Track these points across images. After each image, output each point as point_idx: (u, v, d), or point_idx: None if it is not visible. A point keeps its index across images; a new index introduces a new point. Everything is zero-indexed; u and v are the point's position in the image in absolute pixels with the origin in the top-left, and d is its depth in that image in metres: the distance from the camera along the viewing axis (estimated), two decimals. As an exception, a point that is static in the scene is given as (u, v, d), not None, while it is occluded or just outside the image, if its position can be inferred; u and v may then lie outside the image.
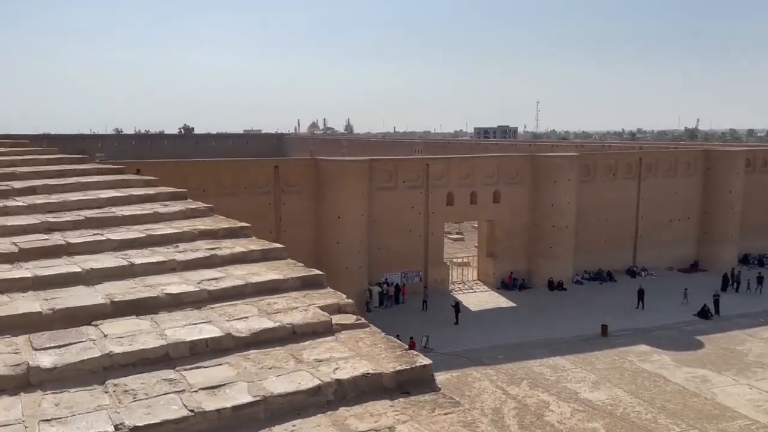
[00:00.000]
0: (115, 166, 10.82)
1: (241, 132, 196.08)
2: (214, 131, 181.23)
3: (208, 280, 5.44)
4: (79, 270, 5.44)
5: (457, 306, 34.66)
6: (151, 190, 9.06)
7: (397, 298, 37.81)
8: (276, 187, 35.94)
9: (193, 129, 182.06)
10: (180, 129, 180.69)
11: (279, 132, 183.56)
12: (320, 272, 5.89)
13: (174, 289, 5.12)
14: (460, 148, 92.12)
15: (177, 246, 6.36)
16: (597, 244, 43.13)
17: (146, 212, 7.61)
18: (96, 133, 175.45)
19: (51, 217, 7.05)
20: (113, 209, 7.70)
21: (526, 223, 41.55)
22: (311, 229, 36.56)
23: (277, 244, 6.69)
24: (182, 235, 6.70)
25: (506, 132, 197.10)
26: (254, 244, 6.61)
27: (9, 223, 6.67)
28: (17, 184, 8.44)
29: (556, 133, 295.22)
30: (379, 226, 37.66)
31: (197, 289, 5.17)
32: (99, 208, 7.76)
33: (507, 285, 40.81)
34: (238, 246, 6.55)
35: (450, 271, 41.63)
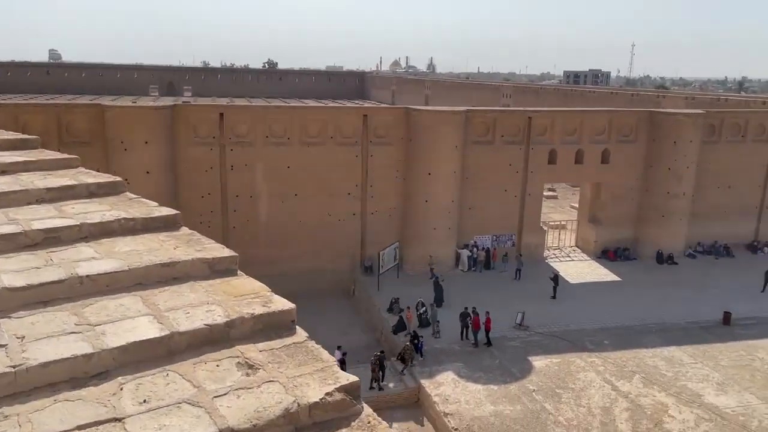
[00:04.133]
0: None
1: (324, 69, 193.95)
2: (297, 66, 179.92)
3: None
4: None
5: (556, 278, 31.43)
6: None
7: (488, 263, 34.91)
8: (364, 138, 33.25)
9: (276, 64, 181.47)
10: (264, 63, 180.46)
11: (361, 70, 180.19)
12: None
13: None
14: (554, 95, 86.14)
15: None
16: (715, 213, 38.38)
17: None
18: (184, 65, 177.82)
19: None
20: None
21: (637, 187, 37.23)
22: (399, 184, 33.88)
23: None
24: None
25: (598, 77, 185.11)
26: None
27: None
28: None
29: (650, 79, 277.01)
30: (472, 185, 34.50)
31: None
32: None
33: (609, 255, 37.03)
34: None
35: (546, 237, 38.16)
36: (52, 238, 3.09)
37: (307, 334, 2.48)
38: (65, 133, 28.63)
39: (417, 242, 33.58)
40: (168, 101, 44.40)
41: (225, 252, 2.98)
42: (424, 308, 27.73)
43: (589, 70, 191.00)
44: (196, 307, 2.55)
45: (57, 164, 4.33)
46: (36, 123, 28.21)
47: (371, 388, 22.49)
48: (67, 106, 31.01)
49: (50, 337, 2.21)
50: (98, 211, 3.47)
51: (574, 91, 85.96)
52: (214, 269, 2.91)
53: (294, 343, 2.39)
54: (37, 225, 3.14)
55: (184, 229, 3.41)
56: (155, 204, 3.66)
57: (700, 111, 38.55)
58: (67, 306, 2.45)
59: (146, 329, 2.31)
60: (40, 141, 4.92)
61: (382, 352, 24.03)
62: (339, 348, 23.06)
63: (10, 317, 2.32)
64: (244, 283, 2.82)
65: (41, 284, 2.46)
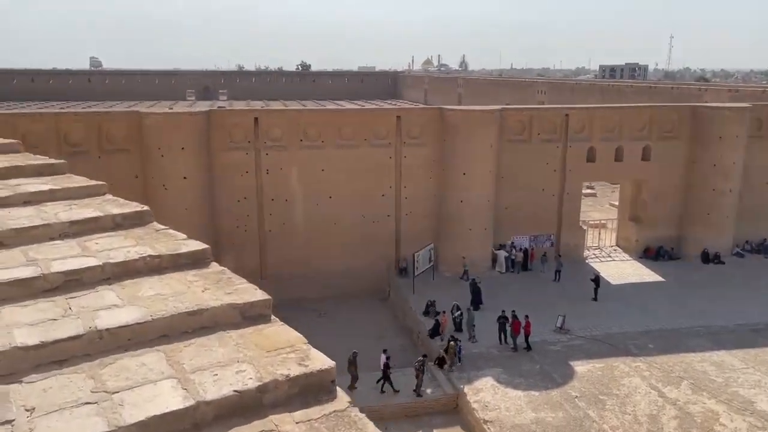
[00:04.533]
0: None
1: (356, 70, 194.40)
2: (330, 68, 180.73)
3: None
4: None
5: (597, 280, 30.64)
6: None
7: (526, 264, 34.26)
8: (397, 139, 32.97)
9: (309, 66, 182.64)
10: (297, 66, 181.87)
11: (393, 70, 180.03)
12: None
13: None
14: (589, 91, 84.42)
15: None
16: (764, 210, 36.96)
17: None
18: (219, 69, 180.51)
19: None
20: None
21: (680, 185, 36.10)
22: (433, 185, 33.49)
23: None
24: None
25: (635, 70, 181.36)
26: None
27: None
28: None
29: (690, 71, 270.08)
30: (508, 184, 33.90)
31: None
32: None
33: (652, 254, 36.00)
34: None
35: (585, 236, 37.29)
36: (72, 281, 2.89)
37: (348, 399, 2.20)
38: (105, 141, 29.05)
39: (452, 243, 33.15)
40: (204, 106, 44.85)
41: (258, 295, 2.73)
42: (459, 311, 27.32)
43: (626, 63, 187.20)
44: (225, 366, 2.29)
45: (83, 192, 4.17)
46: (76, 131, 28.72)
47: (418, 395, 22.21)
48: (106, 114, 31.49)
49: (62, 410, 1.98)
50: (123, 248, 3.27)
51: (611, 86, 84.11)
52: (246, 315, 2.66)
53: (335, 411, 2.11)
54: (58, 266, 2.95)
55: (214, 266, 3.18)
56: (183, 237, 3.44)
57: (745, 105, 37.16)
58: (84, 366, 2.23)
59: (169, 398, 2.07)
60: (67, 165, 4.77)
61: (424, 356, 23.67)
62: (385, 351, 22.90)
63: (21, 382, 2.11)
64: (279, 332, 2.56)
65: (57, 341, 2.26)
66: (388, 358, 22.59)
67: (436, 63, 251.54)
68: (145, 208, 3.86)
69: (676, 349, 25.10)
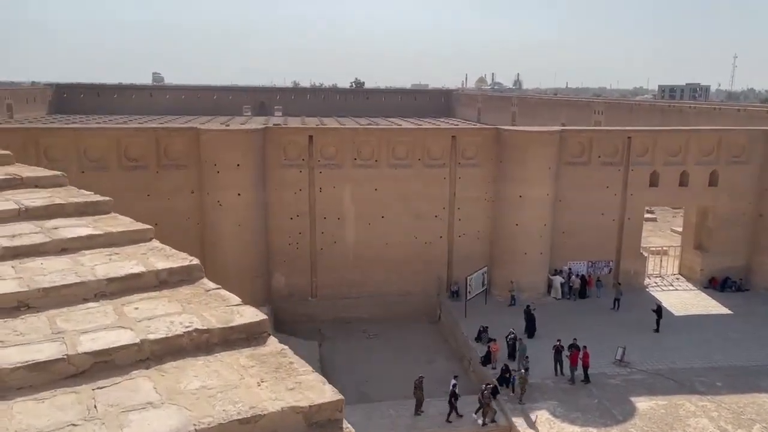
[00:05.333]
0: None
1: (409, 87, 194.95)
2: (383, 85, 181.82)
3: None
4: None
5: (659, 310, 29.13)
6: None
7: (583, 291, 32.96)
8: (452, 159, 32.37)
9: (363, 83, 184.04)
10: (351, 83, 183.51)
11: (446, 87, 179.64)
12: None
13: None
14: (649, 111, 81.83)
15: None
16: (842, 241, 34.60)
17: None
18: (275, 86, 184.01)
19: None
20: None
21: (750, 212, 34.20)
22: (488, 207, 32.69)
23: None
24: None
25: (696, 91, 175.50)
26: None
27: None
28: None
29: (755, 92, 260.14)
30: (566, 208, 32.77)
31: None
32: None
33: (717, 285, 34.12)
34: None
35: (647, 264, 35.68)
36: (102, 364, 2.44)
37: None
38: (163, 156, 29.45)
39: (506, 267, 32.19)
40: (259, 121, 45.32)
41: (327, 393, 2.20)
42: (513, 336, 26.35)
43: (687, 84, 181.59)
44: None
45: (126, 237, 3.77)
46: (137, 146, 29.22)
47: (483, 424, 21.32)
48: (165, 130, 31.98)
49: None
50: (166, 316, 2.81)
51: (672, 107, 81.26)
52: (312, 422, 2.13)
53: None
54: (87, 343, 2.50)
55: (272, 343, 2.68)
56: (236, 301, 2.97)
57: (823, 128, 35.04)
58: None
59: None
60: (111, 203, 4.41)
61: (492, 385, 22.64)
62: (455, 378, 22.45)
63: None
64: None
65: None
66: (455, 385, 21.86)
67: (489, 81, 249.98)
68: (194, 261, 3.42)
69: (746, 388, 23.49)
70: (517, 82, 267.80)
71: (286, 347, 2.60)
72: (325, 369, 26.08)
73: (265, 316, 2.80)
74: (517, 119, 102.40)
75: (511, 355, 25.63)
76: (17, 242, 3.56)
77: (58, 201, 4.29)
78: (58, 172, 5.03)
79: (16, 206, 4.10)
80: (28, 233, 3.73)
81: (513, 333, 26.51)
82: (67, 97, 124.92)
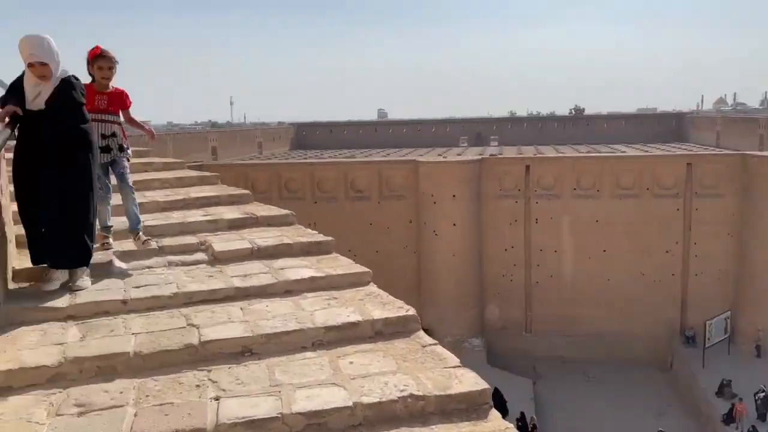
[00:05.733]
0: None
1: (635, 111, 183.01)
2: (604, 111, 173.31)
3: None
4: None
5: None
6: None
7: None
8: (687, 189, 29.30)
9: (583, 110, 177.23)
10: (570, 110, 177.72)
11: (677, 110, 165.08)
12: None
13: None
14: None
15: None
16: None
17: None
18: (491, 116, 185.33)
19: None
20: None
21: None
22: (731, 243, 28.89)
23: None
24: None
25: None
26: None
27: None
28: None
29: None
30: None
31: None
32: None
33: None
34: None
35: None
36: (315, 426, 2.35)
37: None
38: (384, 187, 30.95)
39: (755, 313, 27.97)
40: (474, 152, 45.69)
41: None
42: (764, 394, 22.68)
43: None
44: None
45: (346, 281, 3.79)
46: (361, 179, 31.16)
47: None
48: (387, 163, 33.69)
49: None
50: (380, 375, 2.67)
51: None
52: None
53: None
54: (302, 401, 2.44)
55: (494, 417, 2.36)
56: (455, 362, 2.72)
57: None
58: None
59: None
60: (333, 243, 4.51)
61: None
62: None
63: None
64: None
65: None
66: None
67: (730, 102, 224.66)
68: (411, 312, 3.27)
69: None
70: (766, 101, 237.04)
71: (510, 425, 2.27)
72: (539, 409, 24.88)
73: (486, 385, 2.52)
74: (765, 143, 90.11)
75: (762, 416, 22.08)
76: (248, 283, 3.76)
77: (286, 240, 4.50)
78: (288, 211, 5.33)
79: (249, 245, 4.40)
80: (257, 273, 3.94)
81: (765, 390, 22.86)
82: (306, 135, 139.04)
